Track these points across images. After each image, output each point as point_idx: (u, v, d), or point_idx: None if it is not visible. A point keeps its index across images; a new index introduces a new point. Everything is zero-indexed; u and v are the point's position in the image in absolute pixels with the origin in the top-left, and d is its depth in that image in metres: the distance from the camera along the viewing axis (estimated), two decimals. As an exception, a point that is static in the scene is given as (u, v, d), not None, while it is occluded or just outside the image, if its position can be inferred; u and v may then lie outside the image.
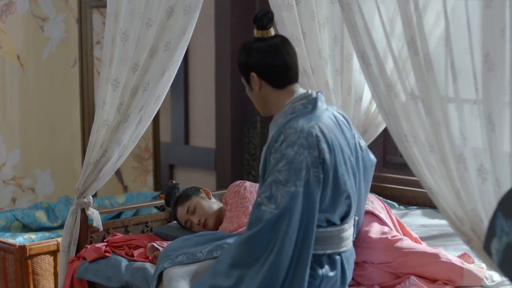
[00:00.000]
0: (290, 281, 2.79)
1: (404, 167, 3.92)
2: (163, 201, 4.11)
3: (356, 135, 3.12)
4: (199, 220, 3.68)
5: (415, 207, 4.23)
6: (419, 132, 2.70)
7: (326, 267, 2.92)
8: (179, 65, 3.61)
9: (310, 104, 2.95)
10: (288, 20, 3.93)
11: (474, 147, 2.55)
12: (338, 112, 3.08)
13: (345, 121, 3.06)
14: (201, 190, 3.79)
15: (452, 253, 3.29)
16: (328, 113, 2.98)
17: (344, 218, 2.96)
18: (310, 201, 2.81)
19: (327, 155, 2.85)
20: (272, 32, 2.99)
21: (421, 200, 4.24)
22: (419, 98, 2.68)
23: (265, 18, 2.96)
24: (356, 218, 3.10)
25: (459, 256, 3.27)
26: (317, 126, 2.87)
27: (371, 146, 4.37)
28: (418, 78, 2.66)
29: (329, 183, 2.86)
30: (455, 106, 2.58)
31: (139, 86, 3.54)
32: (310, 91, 2.99)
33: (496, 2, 2.40)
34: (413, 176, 2.80)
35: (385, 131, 4.14)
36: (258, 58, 2.96)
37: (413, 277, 3.12)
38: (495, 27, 2.40)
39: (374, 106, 4.03)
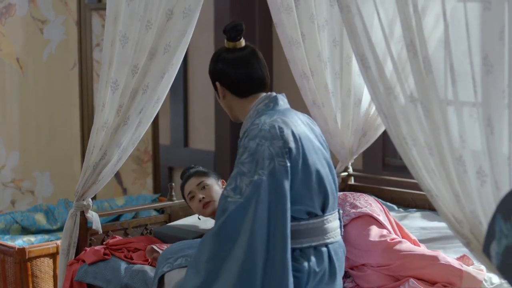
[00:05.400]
0: (270, 276, 2.78)
1: (403, 170, 3.93)
2: (163, 203, 4.10)
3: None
4: (203, 198, 3.61)
5: (414, 209, 4.23)
6: (418, 134, 2.70)
7: (313, 260, 2.91)
8: (178, 67, 3.61)
9: (271, 102, 3.03)
10: (287, 22, 3.93)
11: (473, 150, 2.55)
12: (303, 115, 3.13)
13: (310, 122, 3.10)
14: (219, 178, 3.76)
15: (451, 255, 3.29)
16: (291, 111, 3.05)
17: (325, 209, 2.97)
18: (278, 190, 2.82)
19: (292, 144, 2.88)
20: (243, 43, 3.07)
21: (420, 203, 4.24)
22: (418, 100, 2.69)
23: (233, 31, 3.05)
24: (341, 211, 3.10)
25: (458, 258, 3.27)
26: (279, 119, 2.93)
27: (370, 149, 4.39)
28: (417, 81, 2.66)
29: (298, 171, 2.88)
30: (454, 109, 2.58)
31: (139, 89, 3.54)
32: (269, 93, 3.07)
33: (495, 5, 2.40)
34: (413, 178, 2.81)
35: (385, 133, 4.14)
36: (221, 69, 3.07)
37: (412, 280, 3.12)
38: (494, 29, 2.41)
39: (373, 108, 4.04)
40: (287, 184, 2.84)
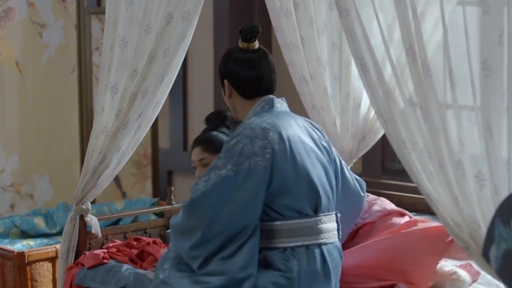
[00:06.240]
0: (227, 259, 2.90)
1: (402, 174, 3.93)
2: (162, 207, 4.10)
3: (332, 146, 3.19)
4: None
5: (413, 213, 4.22)
6: (417, 138, 2.70)
7: (304, 259, 2.94)
8: (177, 71, 3.61)
9: (266, 104, 3.08)
10: (286, 26, 3.93)
11: (472, 154, 2.55)
12: (307, 121, 3.16)
13: (308, 126, 3.12)
14: None
15: (451, 261, 3.28)
16: (288, 114, 3.08)
17: (317, 209, 2.98)
18: (246, 188, 2.88)
19: (277, 146, 2.92)
20: (256, 45, 3.11)
21: (419, 207, 4.24)
22: (417, 104, 2.69)
23: (249, 32, 3.10)
24: (339, 215, 3.11)
25: (461, 266, 3.25)
26: (269, 120, 2.98)
27: (369, 153, 4.38)
28: (416, 85, 2.66)
29: (284, 172, 2.91)
30: (453, 113, 2.58)
31: (138, 93, 3.54)
32: (267, 96, 3.11)
33: (494, 9, 2.41)
34: (412, 182, 2.81)
35: (384, 137, 4.14)
36: (232, 68, 3.11)
37: (401, 285, 3.12)
38: (493, 33, 2.41)
39: (372, 112, 4.04)
40: (259, 184, 2.89)
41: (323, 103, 4.06)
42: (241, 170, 2.89)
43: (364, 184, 3.36)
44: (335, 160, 3.18)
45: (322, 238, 2.98)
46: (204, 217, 2.91)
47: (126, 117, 3.56)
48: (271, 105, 3.07)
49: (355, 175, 3.34)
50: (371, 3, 2.87)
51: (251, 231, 2.89)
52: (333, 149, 3.21)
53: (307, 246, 2.96)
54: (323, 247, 2.98)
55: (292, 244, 2.94)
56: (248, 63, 3.09)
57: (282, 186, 2.92)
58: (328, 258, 2.98)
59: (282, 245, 2.94)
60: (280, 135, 2.94)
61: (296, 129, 3.02)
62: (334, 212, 3.07)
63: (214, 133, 3.55)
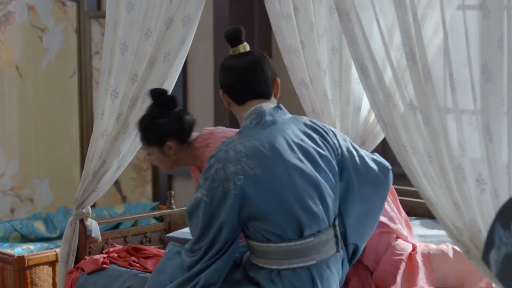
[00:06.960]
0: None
1: (403, 178, 3.92)
2: (162, 211, 4.09)
3: (343, 144, 3.07)
4: (151, 162, 3.57)
5: (414, 217, 4.22)
6: (418, 142, 2.70)
7: (289, 282, 2.88)
8: (177, 75, 3.61)
9: (255, 119, 2.97)
10: (287, 30, 3.93)
11: (472, 158, 2.55)
12: (307, 124, 3.05)
13: (311, 133, 3.02)
14: (167, 141, 3.41)
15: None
16: (278, 126, 2.97)
17: (302, 232, 2.89)
18: (220, 213, 2.85)
19: (249, 172, 2.84)
20: (246, 48, 3.05)
21: (420, 211, 4.24)
22: (417, 108, 2.69)
23: (231, 37, 3.05)
24: (338, 228, 3.01)
25: None
26: (247, 142, 2.89)
27: (369, 157, 4.38)
28: (416, 89, 2.66)
29: (251, 200, 2.84)
30: (453, 117, 2.58)
31: (138, 97, 3.54)
32: (261, 106, 2.99)
33: (494, 13, 2.41)
34: (412, 186, 2.80)
35: (384, 141, 4.14)
36: (222, 76, 3.05)
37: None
38: (493, 37, 2.41)
39: (372, 116, 4.04)
40: (231, 209, 2.84)
41: (323, 107, 4.06)
42: (215, 195, 2.86)
43: (386, 169, 3.18)
44: (344, 156, 3.04)
45: (311, 260, 2.90)
46: (192, 231, 2.96)
47: (126, 121, 3.56)
48: (258, 120, 2.96)
49: (378, 158, 3.17)
50: (371, 7, 2.87)
51: (225, 249, 2.90)
52: (344, 144, 3.06)
53: (293, 269, 2.89)
54: (312, 268, 2.90)
55: (277, 267, 2.89)
56: (230, 69, 3.02)
57: (256, 212, 2.85)
58: (317, 279, 2.89)
59: (269, 266, 2.90)
60: (256, 159, 2.86)
61: (280, 148, 2.91)
62: (328, 227, 2.95)
63: (142, 120, 3.43)
